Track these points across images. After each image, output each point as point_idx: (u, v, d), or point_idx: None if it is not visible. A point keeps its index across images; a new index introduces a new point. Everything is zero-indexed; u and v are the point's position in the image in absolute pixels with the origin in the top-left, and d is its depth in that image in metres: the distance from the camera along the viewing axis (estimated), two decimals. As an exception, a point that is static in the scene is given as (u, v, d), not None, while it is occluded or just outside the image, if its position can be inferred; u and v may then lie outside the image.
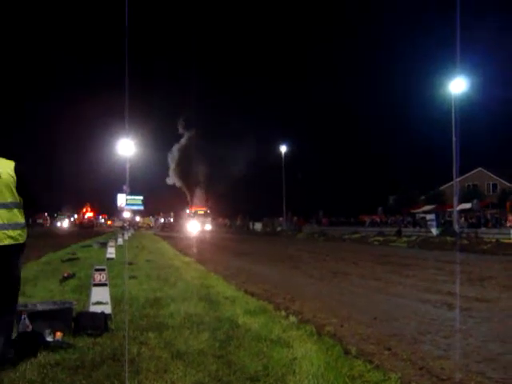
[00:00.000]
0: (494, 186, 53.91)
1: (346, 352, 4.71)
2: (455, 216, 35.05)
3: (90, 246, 21.29)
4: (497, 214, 40.69)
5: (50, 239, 28.20)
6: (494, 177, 54.26)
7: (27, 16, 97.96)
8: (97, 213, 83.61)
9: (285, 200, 55.89)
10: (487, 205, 45.30)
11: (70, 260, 13.78)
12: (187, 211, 62.13)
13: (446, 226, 35.21)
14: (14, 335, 4.16)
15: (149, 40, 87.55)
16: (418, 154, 73.19)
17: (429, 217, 37.40)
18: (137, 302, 6.77)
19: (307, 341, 4.93)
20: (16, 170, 4.03)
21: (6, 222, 3.92)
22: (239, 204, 65.75)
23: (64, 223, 76.74)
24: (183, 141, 73.70)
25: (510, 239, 25.38)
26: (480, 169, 54.85)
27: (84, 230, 55.44)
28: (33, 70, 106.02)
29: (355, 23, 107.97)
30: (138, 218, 76.77)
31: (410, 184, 56.24)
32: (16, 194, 4.03)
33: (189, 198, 74.16)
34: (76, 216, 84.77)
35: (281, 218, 58.40)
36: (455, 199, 34.78)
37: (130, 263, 12.73)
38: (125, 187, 55.26)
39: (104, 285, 5.76)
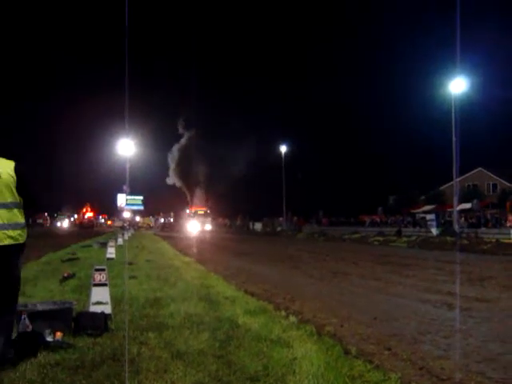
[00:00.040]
0: (494, 185, 53.91)
1: (346, 352, 4.71)
2: (455, 216, 35.06)
3: (89, 246, 21.29)
4: (497, 214, 40.69)
5: (49, 239, 28.19)
6: (494, 177, 54.25)
7: (27, 16, 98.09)
8: (97, 213, 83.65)
9: (285, 200, 55.96)
10: (487, 205, 45.30)
11: (69, 260, 13.78)
12: (187, 211, 62.13)
13: (446, 226, 35.20)
14: (14, 335, 4.15)
15: (149, 40, 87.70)
16: (417, 154, 73.36)
17: (429, 217, 37.41)
18: (137, 302, 6.77)
19: (307, 341, 4.93)
20: (16, 170, 4.03)
21: (5, 221, 3.92)
22: (239, 204, 65.84)
23: (64, 223, 76.74)
24: (183, 141, 73.82)
25: (510, 239, 25.38)
26: (480, 169, 54.85)
27: (84, 230, 55.44)
28: (33, 70, 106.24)
29: (355, 23, 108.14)
30: (137, 218, 76.77)
31: (409, 184, 56.33)
32: (16, 194, 4.03)
33: (189, 198, 74.22)
34: (76, 216, 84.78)
35: (281, 218, 58.40)
36: (455, 199, 34.79)
37: (130, 263, 12.74)
38: (125, 187, 55.30)
39: (104, 285, 5.76)
